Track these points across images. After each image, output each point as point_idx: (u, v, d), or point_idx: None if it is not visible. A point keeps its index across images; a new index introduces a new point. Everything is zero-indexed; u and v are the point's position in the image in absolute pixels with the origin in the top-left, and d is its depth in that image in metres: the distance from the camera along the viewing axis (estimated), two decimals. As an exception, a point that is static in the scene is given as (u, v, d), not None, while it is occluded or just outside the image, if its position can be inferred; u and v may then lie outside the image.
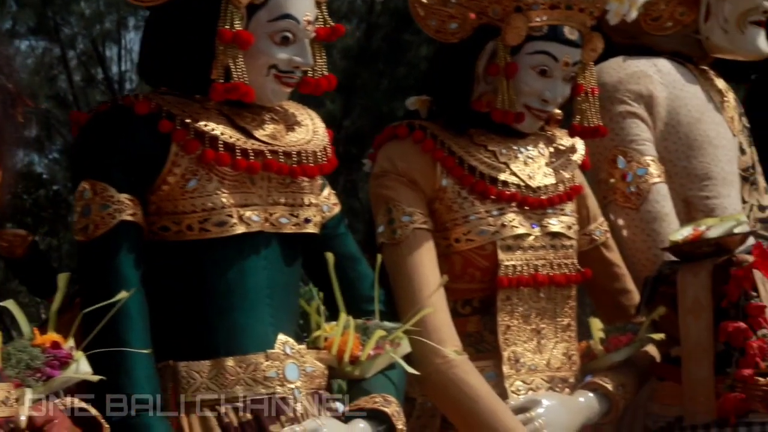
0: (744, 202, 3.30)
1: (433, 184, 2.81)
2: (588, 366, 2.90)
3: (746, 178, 3.32)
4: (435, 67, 2.97)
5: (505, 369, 2.79)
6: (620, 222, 3.10)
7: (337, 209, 2.71)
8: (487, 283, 2.82)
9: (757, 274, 2.84)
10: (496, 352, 2.81)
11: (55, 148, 13.04)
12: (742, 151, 3.34)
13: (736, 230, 2.91)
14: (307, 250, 2.65)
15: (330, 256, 2.60)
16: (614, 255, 3.07)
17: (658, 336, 2.87)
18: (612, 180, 3.10)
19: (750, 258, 2.83)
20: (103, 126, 2.42)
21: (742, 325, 2.81)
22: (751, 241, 2.99)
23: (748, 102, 3.71)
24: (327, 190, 2.69)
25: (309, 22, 2.50)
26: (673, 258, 2.94)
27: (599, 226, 3.05)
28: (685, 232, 2.93)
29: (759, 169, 3.39)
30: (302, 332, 2.64)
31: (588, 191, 3.06)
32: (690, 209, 3.18)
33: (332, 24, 2.58)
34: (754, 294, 2.84)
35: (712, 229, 2.91)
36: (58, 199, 12.39)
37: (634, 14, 2.93)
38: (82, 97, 12.91)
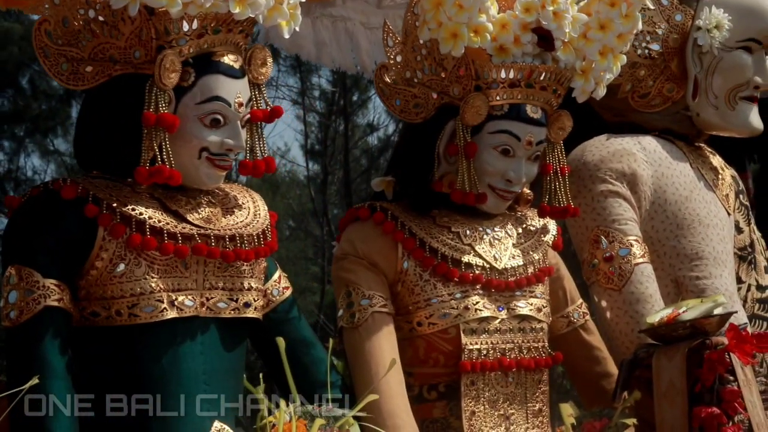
0: (741, 282, 3.19)
1: (395, 266, 2.77)
2: (561, 454, 2.81)
3: (743, 257, 3.22)
4: (398, 147, 2.95)
5: (471, 456, 2.72)
6: (603, 304, 3.01)
7: (288, 293, 2.68)
8: (451, 367, 2.76)
9: (734, 358, 2.73)
10: None
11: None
12: (739, 230, 3.23)
13: (716, 312, 2.81)
14: (258, 335, 2.62)
15: (281, 341, 2.56)
16: (594, 338, 2.99)
17: (631, 421, 2.77)
18: (594, 261, 3.02)
19: (724, 341, 2.73)
20: (31, 211, 2.42)
21: (716, 410, 2.70)
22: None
23: (758, 183, 3.63)
24: (277, 274, 2.67)
25: (241, 104, 2.49)
26: (651, 341, 2.85)
27: (577, 309, 2.98)
28: (662, 314, 2.84)
29: (759, 247, 3.28)
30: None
31: (564, 273, 2.99)
32: (680, 290, 3.09)
33: (271, 106, 2.56)
34: (731, 378, 2.73)
35: (689, 311, 2.81)
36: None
37: (601, 92, 2.87)
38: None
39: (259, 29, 3.36)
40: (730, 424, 2.70)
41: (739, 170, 3.90)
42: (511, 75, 2.76)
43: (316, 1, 3.81)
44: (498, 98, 2.76)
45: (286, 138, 19.73)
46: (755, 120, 3.20)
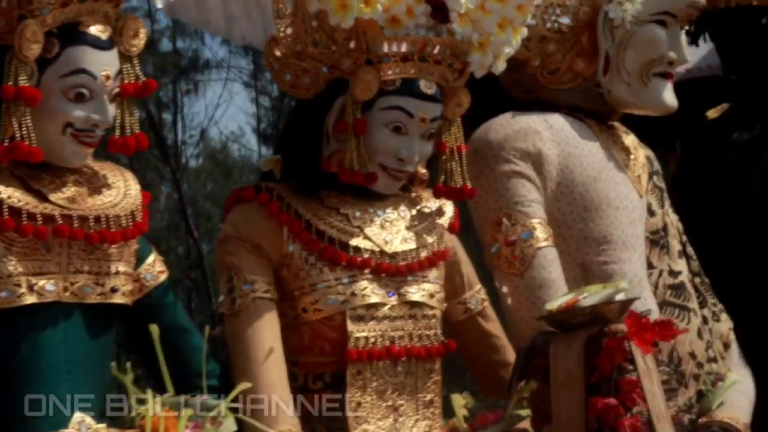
0: (652, 267, 3.06)
1: (279, 249, 2.63)
2: (453, 446, 2.69)
3: (656, 241, 3.09)
4: (287, 124, 2.81)
5: (356, 449, 2.60)
6: (504, 289, 2.88)
7: (163, 277, 2.55)
8: (337, 356, 2.63)
9: (634, 346, 2.61)
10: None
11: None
12: (652, 213, 3.10)
13: (617, 298, 2.68)
14: (131, 321, 2.49)
15: (154, 328, 2.43)
16: (493, 325, 2.86)
17: (525, 412, 2.65)
18: (496, 244, 2.88)
19: (623, 328, 2.60)
20: None
21: (613, 401, 2.58)
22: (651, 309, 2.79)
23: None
24: (152, 257, 2.54)
25: (108, 77, 2.37)
26: (550, 328, 2.72)
27: (475, 294, 2.86)
28: (562, 300, 2.71)
29: (673, 231, 3.15)
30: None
31: (462, 257, 2.86)
32: (587, 275, 2.95)
33: (144, 79, 2.43)
34: (630, 367, 2.61)
35: (589, 297, 2.68)
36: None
37: (500, 66, 2.73)
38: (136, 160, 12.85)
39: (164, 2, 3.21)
40: (628, 415, 2.58)
41: (669, 151, 3.80)
42: (404, 48, 2.62)
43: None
44: (390, 73, 2.62)
45: (239, 122, 19.60)
46: (669, 97, 3.07)
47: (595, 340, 2.61)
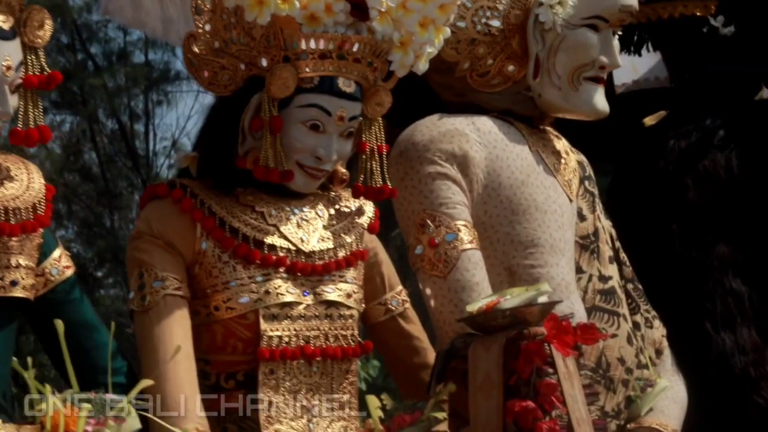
0: (582, 271, 3.03)
1: (192, 247, 2.60)
2: (370, 448, 2.66)
3: (585, 246, 3.06)
4: (205, 121, 2.78)
5: (266, 450, 2.56)
6: (428, 291, 2.84)
7: (69, 272, 2.52)
8: (250, 355, 2.60)
9: (554, 349, 2.58)
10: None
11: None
12: (582, 217, 3.07)
13: (539, 300, 2.65)
14: (36, 317, 2.46)
15: (59, 324, 2.39)
16: (414, 327, 2.84)
17: (441, 415, 2.62)
18: (420, 246, 2.85)
19: (543, 331, 2.57)
20: None
21: (531, 404, 2.55)
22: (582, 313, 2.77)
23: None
24: (57, 252, 2.50)
25: (9, 68, 2.34)
26: (471, 330, 2.69)
27: (396, 296, 2.83)
28: (483, 302, 2.68)
29: (604, 237, 3.12)
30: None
31: (383, 257, 2.83)
32: (514, 279, 2.91)
33: (48, 71, 2.39)
34: (550, 371, 2.57)
35: (511, 299, 2.65)
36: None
37: (422, 66, 2.70)
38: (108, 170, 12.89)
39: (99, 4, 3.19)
40: (547, 418, 2.55)
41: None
42: (322, 45, 2.59)
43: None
44: (307, 70, 2.59)
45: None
46: (600, 102, 3.04)
47: (514, 342, 2.58)
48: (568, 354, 2.60)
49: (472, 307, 2.67)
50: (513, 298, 2.65)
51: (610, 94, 3.90)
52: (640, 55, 3.77)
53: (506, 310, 2.61)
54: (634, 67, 4.08)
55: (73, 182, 12.84)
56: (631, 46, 3.77)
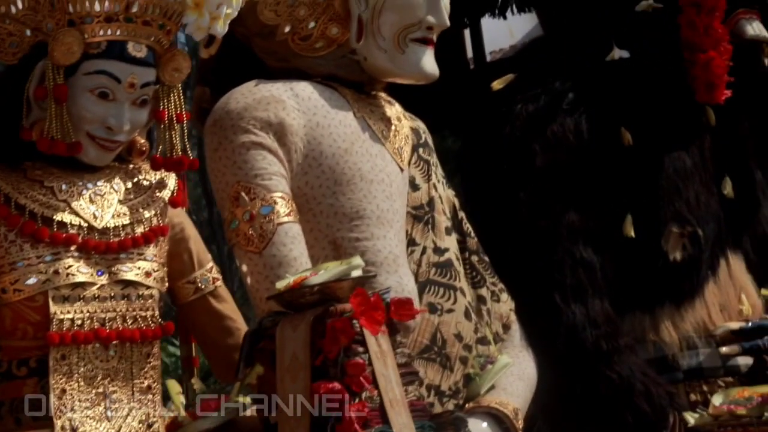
0: (415, 244, 2.88)
1: None
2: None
3: (419, 217, 2.90)
4: None
5: (60, 440, 2.42)
6: (244, 268, 2.68)
7: None
8: (41, 340, 2.47)
9: (364, 327, 2.43)
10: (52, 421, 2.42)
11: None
12: (415, 187, 2.92)
13: (353, 274, 2.50)
14: None
15: None
16: (226, 306, 2.70)
17: (245, 399, 2.47)
18: (235, 220, 2.69)
19: (349, 307, 2.42)
20: None
21: (337, 385, 2.40)
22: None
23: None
24: None
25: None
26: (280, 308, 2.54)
27: (206, 273, 2.69)
28: (292, 278, 2.53)
29: (441, 207, 2.96)
30: None
31: (191, 233, 2.69)
32: (339, 252, 2.76)
33: None
34: (361, 349, 2.42)
35: (323, 273, 2.50)
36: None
37: (221, 29, 2.55)
38: None
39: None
40: (356, 400, 2.40)
41: None
42: (107, 7, 2.46)
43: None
44: (93, 34, 2.44)
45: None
46: (428, 64, 2.88)
47: (321, 320, 2.43)
48: (377, 331, 2.45)
49: (281, 284, 2.52)
50: (325, 272, 2.50)
51: (481, 61, 3.78)
52: (505, 18, 3.63)
53: (314, 285, 2.46)
54: (510, 32, 3.96)
55: None
56: (495, 9, 3.64)
